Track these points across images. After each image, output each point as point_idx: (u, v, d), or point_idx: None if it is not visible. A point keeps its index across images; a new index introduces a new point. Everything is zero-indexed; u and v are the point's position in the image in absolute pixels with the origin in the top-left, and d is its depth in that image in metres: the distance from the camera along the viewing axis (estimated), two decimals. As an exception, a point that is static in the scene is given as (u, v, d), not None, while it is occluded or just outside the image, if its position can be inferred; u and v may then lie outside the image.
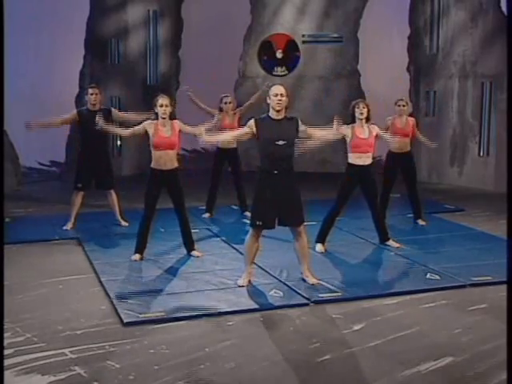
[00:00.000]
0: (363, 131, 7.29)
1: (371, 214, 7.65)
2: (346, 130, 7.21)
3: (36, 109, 13.03)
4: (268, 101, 6.00)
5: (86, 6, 12.62)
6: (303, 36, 13.55)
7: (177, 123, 7.03)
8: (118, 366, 4.58)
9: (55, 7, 13.12)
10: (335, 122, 6.41)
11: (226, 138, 6.92)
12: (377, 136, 7.35)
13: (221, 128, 9.06)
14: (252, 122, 6.03)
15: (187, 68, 13.60)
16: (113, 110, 8.62)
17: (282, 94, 5.94)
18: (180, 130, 7.00)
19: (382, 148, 8.85)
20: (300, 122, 6.07)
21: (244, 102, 13.13)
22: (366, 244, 7.82)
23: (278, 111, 5.96)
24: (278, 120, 5.99)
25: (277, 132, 5.95)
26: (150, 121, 6.99)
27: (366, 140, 7.29)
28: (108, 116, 8.32)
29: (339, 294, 6.04)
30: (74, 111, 8.52)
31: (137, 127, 7.06)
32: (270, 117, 6.03)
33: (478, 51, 11.87)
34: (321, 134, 6.27)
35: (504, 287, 4.93)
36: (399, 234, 8.11)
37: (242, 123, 8.79)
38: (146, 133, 6.97)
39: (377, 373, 4.52)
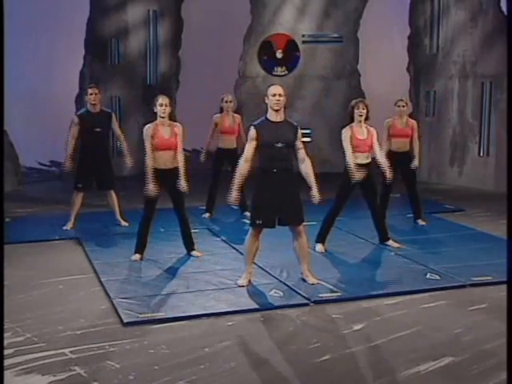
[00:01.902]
0: (362, 132, 7.31)
1: (371, 214, 7.65)
2: (346, 134, 7.26)
3: (36, 109, 13.09)
4: (266, 101, 5.99)
5: (86, 6, 12.63)
6: (303, 36, 13.55)
7: (177, 127, 7.02)
8: (117, 366, 4.58)
9: (55, 7, 13.13)
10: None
11: (245, 165, 6.04)
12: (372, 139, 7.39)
13: (221, 131, 9.10)
14: (253, 131, 5.99)
15: (187, 68, 13.61)
16: (113, 116, 8.58)
17: (280, 94, 5.93)
18: (177, 134, 6.99)
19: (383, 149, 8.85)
20: (300, 131, 6.10)
21: (244, 102, 13.20)
22: (366, 244, 7.82)
23: (276, 111, 5.96)
24: (277, 122, 5.99)
25: (276, 134, 5.95)
26: (149, 124, 6.97)
27: (364, 141, 7.31)
28: (109, 120, 8.41)
29: (339, 294, 6.04)
30: (75, 119, 8.36)
31: (146, 142, 6.90)
32: (268, 119, 6.03)
33: (478, 51, 11.87)
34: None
35: (504, 287, 4.94)
36: (399, 234, 8.11)
37: (244, 127, 8.83)
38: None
39: (377, 373, 4.52)
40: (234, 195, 6.10)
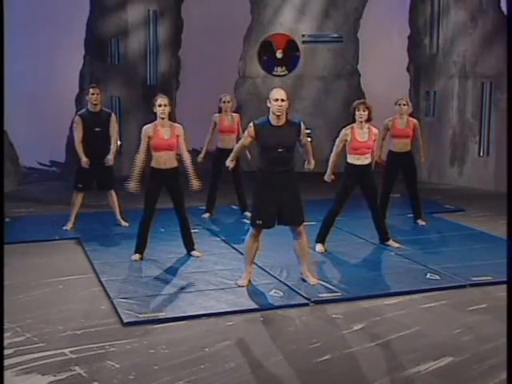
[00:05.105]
0: (362, 134, 7.29)
1: (371, 214, 7.65)
2: (345, 136, 7.27)
3: (36, 109, 13.07)
4: (268, 105, 5.96)
5: (86, 6, 12.63)
6: (303, 36, 13.54)
7: (178, 128, 7.02)
8: (117, 366, 4.58)
9: (55, 7, 13.11)
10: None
11: (237, 150, 6.48)
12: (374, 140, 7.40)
13: (220, 130, 9.10)
14: (252, 127, 5.98)
15: (187, 68, 13.60)
16: (113, 116, 8.59)
17: (282, 99, 5.88)
18: (178, 135, 6.99)
19: (383, 148, 8.84)
20: (303, 127, 6.09)
21: (244, 102, 13.19)
22: (366, 244, 7.82)
23: (278, 116, 5.93)
24: (279, 126, 5.96)
25: (277, 139, 5.92)
26: (148, 124, 6.97)
27: (364, 143, 7.30)
28: (109, 120, 8.42)
29: (339, 294, 6.04)
30: (78, 118, 8.41)
31: (142, 141, 6.94)
32: (269, 122, 5.99)
33: (478, 51, 11.87)
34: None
35: (504, 287, 4.93)
36: (399, 234, 8.11)
37: (243, 126, 8.82)
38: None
39: (377, 373, 4.52)
40: (232, 158, 6.53)
